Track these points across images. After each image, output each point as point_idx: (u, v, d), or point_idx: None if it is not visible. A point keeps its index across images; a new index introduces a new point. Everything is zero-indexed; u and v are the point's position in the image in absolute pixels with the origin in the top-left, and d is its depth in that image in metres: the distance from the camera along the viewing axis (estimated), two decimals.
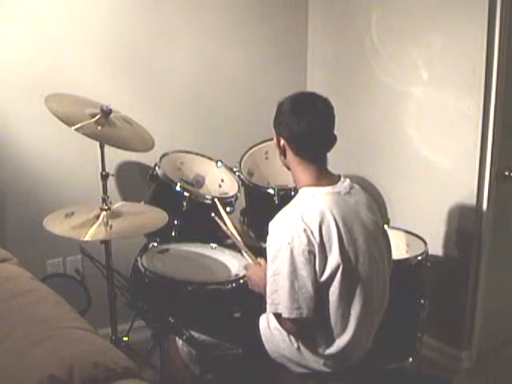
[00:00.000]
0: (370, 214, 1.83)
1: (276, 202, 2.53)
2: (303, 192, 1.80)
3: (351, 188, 1.83)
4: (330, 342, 1.77)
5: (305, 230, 1.67)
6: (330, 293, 1.72)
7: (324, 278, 1.70)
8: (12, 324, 1.51)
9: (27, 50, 2.54)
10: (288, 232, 1.68)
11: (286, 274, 1.67)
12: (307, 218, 1.69)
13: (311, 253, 1.67)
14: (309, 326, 1.74)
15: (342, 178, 1.85)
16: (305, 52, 3.32)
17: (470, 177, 2.59)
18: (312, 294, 1.68)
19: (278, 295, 1.70)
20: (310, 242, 1.67)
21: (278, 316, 1.75)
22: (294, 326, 1.74)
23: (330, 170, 1.86)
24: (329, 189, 1.77)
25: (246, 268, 2.02)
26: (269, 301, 1.73)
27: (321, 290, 1.71)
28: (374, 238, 1.82)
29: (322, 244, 1.68)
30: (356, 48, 3.04)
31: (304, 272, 1.67)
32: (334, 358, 1.79)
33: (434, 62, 2.69)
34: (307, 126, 1.75)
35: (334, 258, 1.69)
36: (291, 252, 1.67)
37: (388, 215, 2.96)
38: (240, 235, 2.12)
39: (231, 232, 2.11)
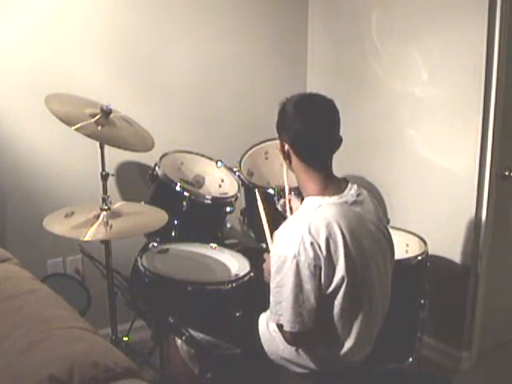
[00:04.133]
0: (377, 221, 1.81)
1: (276, 202, 2.52)
2: (309, 202, 1.75)
3: (358, 195, 1.78)
4: (331, 349, 1.77)
5: (312, 244, 1.64)
6: (334, 305, 1.70)
7: (330, 290, 1.68)
8: (12, 324, 1.51)
9: (28, 51, 2.54)
10: (294, 244, 1.64)
11: (291, 287, 1.65)
12: (314, 230, 1.65)
13: (317, 266, 1.65)
14: (308, 336, 1.72)
15: (349, 185, 1.80)
16: (305, 52, 3.32)
17: (469, 177, 2.59)
18: (314, 306, 1.67)
19: (282, 307, 1.68)
20: (316, 256, 1.64)
21: (279, 326, 1.74)
22: (294, 338, 1.73)
23: (335, 175, 1.82)
24: (335, 198, 1.73)
25: (264, 259, 2.00)
26: (272, 310, 1.71)
27: (325, 301, 1.69)
28: (379, 247, 1.80)
29: (328, 258, 1.65)
30: (356, 48, 3.05)
31: (309, 285, 1.65)
32: (334, 363, 1.79)
33: (434, 62, 2.69)
34: (311, 132, 1.71)
35: (339, 272, 1.67)
36: (297, 265, 1.64)
37: (388, 215, 2.96)
38: (269, 224, 2.11)
39: (263, 218, 2.11)
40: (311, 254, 1.63)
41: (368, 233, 1.76)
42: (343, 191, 1.77)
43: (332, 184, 1.78)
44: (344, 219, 1.69)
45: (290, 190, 2.12)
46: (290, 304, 1.65)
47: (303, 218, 1.71)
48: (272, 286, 1.71)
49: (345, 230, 1.68)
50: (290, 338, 1.73)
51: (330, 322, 1.72)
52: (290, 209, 2.08)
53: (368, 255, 1.74)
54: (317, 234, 1.65)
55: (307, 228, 1.65)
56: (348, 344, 1.75)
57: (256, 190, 2.47)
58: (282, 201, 2.14)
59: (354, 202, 1.76)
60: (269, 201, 2.49)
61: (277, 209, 2.17)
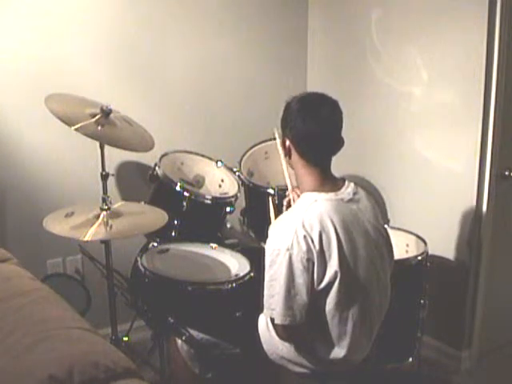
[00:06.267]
0: (373, 220, 1.81)
1: (276, 201, 2.53)
2: (306, 197, 1.77)
3: (355, 194, 1.80)
4: (329, 348, 1.77)
5: (305, 237, 1.65)
6: (327, 301, 1.71)
7: (322, 285, 1.69)
8: (12, 324, 1.51)
9: (28, 51, 2.54)
10: (288, 238, 1.66)
11: (283, 281, 1.66)
12: (308, 224, 1.67)
13: (310, 260, 1.66)
14: (299, 330, 1.73)
15: (347, 183, 1.82)
16: (305, 52, 3.32)
17: (470, 177, 2.59)
18: (306, 301, 1.67)
19: (274, 300, 1.69)
20: (309, 250, 1.65)
21: (272, 320, 1.74)
22: (284, 332, 1.73)
23: (333, 173, 1.83)
24: (331, 195, 1.75)
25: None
26: (266, 305, 1.73)
27: (318, 297, 1.70)
28: (375, 245, 1.80)
29: (321, 252, 1.67)
30: (356, 48, 3.05)
31: (301, 279, 1.66)
32: (333, 362, 1.79)
33: (434, 62, 2.69)
34: (313, 130, 1.73)
35: (332, 267, 1.68)
36: (290, 258, 1.65)
37: (388, 215, 2.96)
38: None
39: (272, 218, 2.16)
40: (304, 247, 1.64)
41: (364, 231, 1.77)
42: (340, 189, 1.79)
43: (329, 181, 1.80)
44: (338, 215, 1.71)
45: (293, 187, 2.13)
46: (281, 297, 1.66)
47: (298, 212, 1.73)
48: (266, 279, 1.72)
49: (338, 226, 1.69)
50: (281, 332, 1.74)
51: (325, 318, 1.73)
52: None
53: (363, 253, 1.75)
54: (310, 228, 1.66)
55: (301, 222, 1.67)
56: (345, 342, 1.75)
57: (270, 199, 2.46)
58: (285, 200, 2.15)
59: (350, 200, 1.78)
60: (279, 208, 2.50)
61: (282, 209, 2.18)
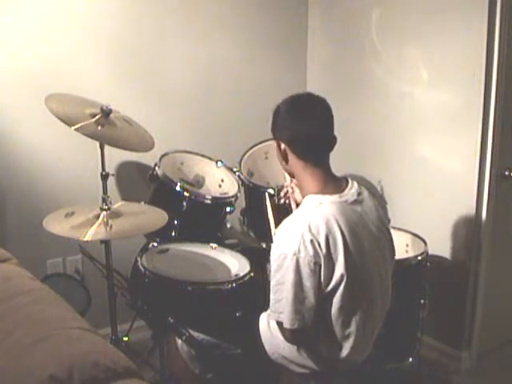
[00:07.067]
0: (376, 221, 1.81)
1: (276, 201, 2.53)
2: (310, 200, 1.76)
3: (359, 194, 1.79)
4: (332, 348, 1.77)
5: (311, 241, 1.64)
6: (333, 303, 1.71)
7: (329, 288, 1.68)
8: (12, 324, 1.51)
9: (28, 51, 2.54)
10: (294, 242, 1.65)
11: (291, 285, 1.65)
12: (314, 228, 1.66)
13: (317, 264, 1.65)
14: (307, 334, 1.73)
15: (350, 184, 1.81)
16: (305, 52, 3.32)
17: (469, 177, 2.59)
18: (314, 304, 1.67)
19: (281, 304, 1.68)
20: (316, 254, 1.64)
21: (279, 324, 1.74)
22: (293, 335, 1.73)
23: (335, 173, 1.82)
24: (336, 197, 1.74)
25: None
26: (272, 308, 1.72)
27: (324, 299, 1.69)
28: (378, 246, 1.80)
29: (328, 255, 1.66)
30: (356, 48, 3.05)
31: (308, 283, 1.65)
32: (334, 363, 1.79)
33: (434, 61, 2.69)
34: (306, 128, 1.73)
35: (338, 270, 1.67)
36: (297, 262, 1.64)
37: (388, 215, 2.96)
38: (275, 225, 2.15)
39: (270, 220, 2.18)
40: (311, 251, 1.64)
41: (368, 232, 1.76)
42: (344, 190, 1.78)
43: (332, 182, 1.78)
44: (344, 218, 1.70)
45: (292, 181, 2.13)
46: (289, 301, 1.66)
47: (303, 215, 1.72)
48: (272, 283, 1.71)
49: (344, 229, 1.68)
50: (290, 336, 1.74)
51: (330, 320, 1.72)
52: (294, 200, 2.09)
53: (368, 254, 1.74)
54: (317, 232, 1.65)
55: (307, 226, 1.66)
56: (348, 343, 1.75)
57: (267, 198, 2.46)
58: (282, 193, 2.15)
59: (355, 202, 1.77)
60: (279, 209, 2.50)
61: (280, 204, 2.18)
